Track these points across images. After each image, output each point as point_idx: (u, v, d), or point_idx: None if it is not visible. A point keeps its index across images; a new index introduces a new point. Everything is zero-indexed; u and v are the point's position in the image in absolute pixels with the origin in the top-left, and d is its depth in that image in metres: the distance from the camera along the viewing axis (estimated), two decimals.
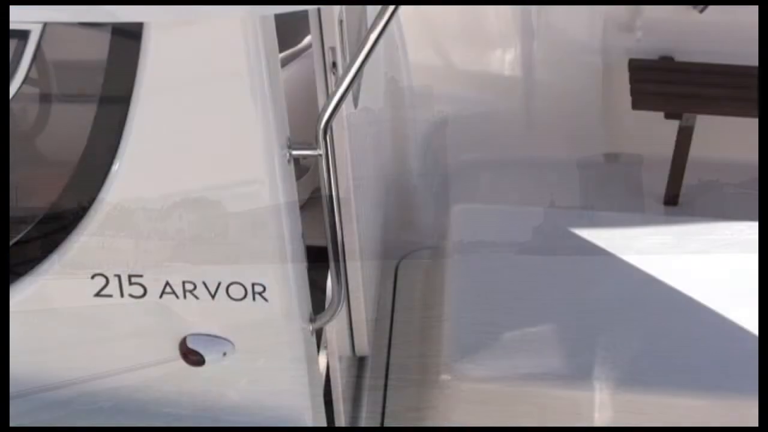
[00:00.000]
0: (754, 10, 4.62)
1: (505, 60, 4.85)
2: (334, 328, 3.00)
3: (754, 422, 3.12)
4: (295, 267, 2.28)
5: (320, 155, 2.25)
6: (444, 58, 4.82)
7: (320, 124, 2.21)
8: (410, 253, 4.27)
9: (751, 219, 3.79)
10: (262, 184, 2.16)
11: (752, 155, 4.87)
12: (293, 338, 2.35)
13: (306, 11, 2.72)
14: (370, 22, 2.18)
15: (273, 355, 2.37)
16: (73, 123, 2.29)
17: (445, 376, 3.26)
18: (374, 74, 3.95)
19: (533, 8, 4.76)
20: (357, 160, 3.23)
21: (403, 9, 4.37)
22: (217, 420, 2.43)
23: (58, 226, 2.27)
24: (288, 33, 3.59)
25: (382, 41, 4.19)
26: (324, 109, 2.21)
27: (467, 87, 4.86)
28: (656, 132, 4.68)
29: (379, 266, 4.05)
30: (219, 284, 2.25)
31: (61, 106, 2.64)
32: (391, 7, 2.08)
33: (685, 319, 3.39)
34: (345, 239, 3.17)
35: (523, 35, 4.79)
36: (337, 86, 2.20)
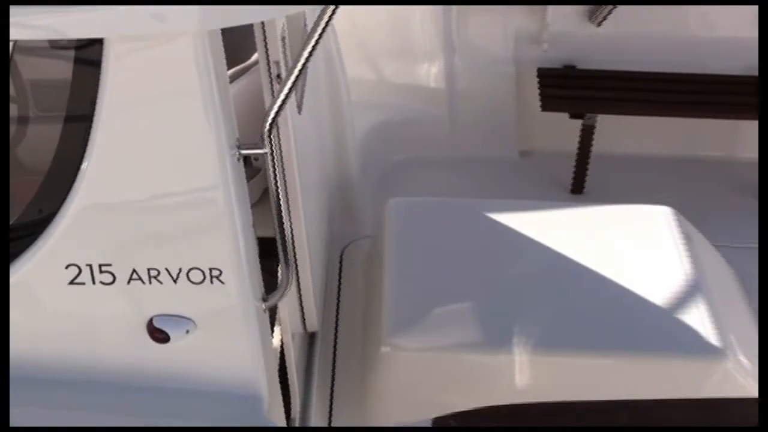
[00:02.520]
0: (644, 23, 4.71)
1: (430, 72, 4.86)
2: (286, 308, 2.99)
3: (655, 375, 3.19)
4: (247, 252, 2.27)
5: (266, 153, 2.24)
6: (377, 72, 4.82)
7: (265, 125, 2.21)
8: (353, 242, 4.27)
9: (644, 202, 3.86)
10: (216, 180, 2.15)
11: (646, 148, 4.98)
12: (248, 316, 2.33)
13: (251, 31, 2.72)
14: None
15: (230, 332, 2.36)
16: (45, 134, 2.26)
17: (384, 348, 3.25)
18: (316, 87, 3.95)
19: (454, 26, 4.77)
20: (302, 161, 3.22)
21: (340, 29, 4.42)
22: (182, 391, 2.40)
23: (35, 223, 2.24)
24: (240, 51, 3.57)
25: (321, 58, 4.21)
26: (268, 112, 2.21)
27: (398, 96, 4.87)
28: (563, 130, 4.73)
29: (326, 253, 4.05)
30: (180, 270, 2.24)
31: (35, 120, 2.61)
32: (322, 25, 2.08)
33: (591, 288, 3.42)
34: (294, 229, 3.17)
35: (445, 50, 4.81)
36: (279, 92, 2.20)
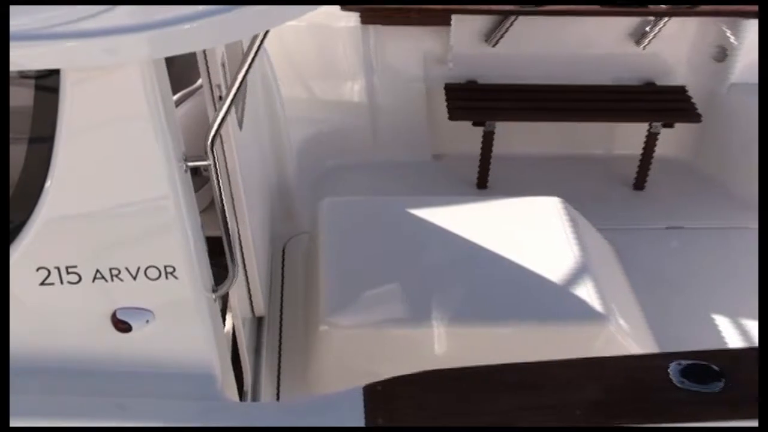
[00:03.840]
0: (533, 43, 4.79)
1: (353, 89, 4.84)
2: (236, 296, 2.96)
3: (550, 340, 3.24)
4: (197, 250, 2.24)
5: (210, 164, 2.22)
6: (308, 91, 4.79)
7: (207, 140, 2.19)
8: (293, 238, 4.25)
9: (537, 194, 3.92)
10: (166, 190, 2.11)
11: (537, 149, 5.06)
12: (200, 305, 2.30)
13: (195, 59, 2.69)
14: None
15: (185, 320, 2.32)
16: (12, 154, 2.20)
17: (323, 327, 3.24)
18: (255, 106, 3.92)
19: (372, 49, 4.76)
20: (245, 170, 3.19)
21: (274, 54, 4.38)
22: (145, 373, 2.36)
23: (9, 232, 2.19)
24: (189, 75, 3.53)
25: (259, 80, 4.17)
26: (209, 129, 2.19)
27: (327, 111, 4.85)
28: (468, 136, 4.76)
29: (270, 248, 4.02)
30: (138, 268, 2.20)
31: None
32: (253, 51, 2.06)
33: (495, 268, 3.46)
34: (240, 229, 3.14)
35: (365, 70, 4.79)
36: (219, 109, 2.18)
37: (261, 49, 4.30)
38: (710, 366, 2.32)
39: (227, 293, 2.86)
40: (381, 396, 2.31)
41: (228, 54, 2.91)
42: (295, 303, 3.80)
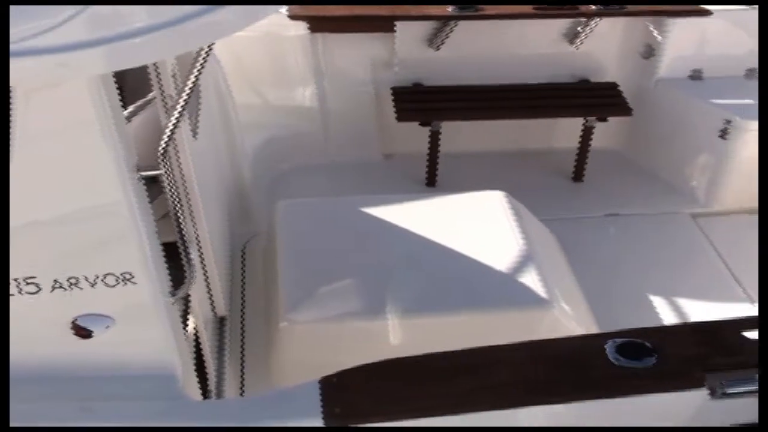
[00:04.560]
0: (474, 46, 4.81)
1: (305, 94, 4.83)
2: (197, 298, 2.93)
3: (499, 326, 3.27)
4: (154, 257, 2.21)
5: (162, 173, 2.20)
6: (261, 97, 4.77)
7: (159, 150, 2.17)
8: (251, 239, 4.22)
9: (482, 189, 3.94)
10: (120, 200, 2.08)
11: (482, 146, 5.09)
12: (158, 309, 2.27)
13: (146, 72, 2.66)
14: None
15: (145, 323, 2.29)
16: None
17: (282, 323, 3.22)
18: (209, 114, 3.88)
19: (321, 56, 4.75)
20: (201, 176, 3.16)
21: (226, 64, 4.34)
22: (109, 377, 2.32)
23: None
24: (146, 86, 3.49)
25: (212, 89, 4.13)
26: (158, 139, 2.16)
27: (280, 116, 4.82)
28: (416, 136, 4.77)
29: (229, 250, 3.99)
30: (96, 276, 2.16)
31: None
32: (200, 63, 2.04)
33: (445, 261, 3.47)
34: (198, 232, 3.11)
35: (315, 76, 4.78)
36: (168, 121, 2.15)
37: (213, 60, 4.28)
38: (643, 343, 2.36)
39: (188, 295, 2.84)
40: (337, 387, 2.31)
41: (179, 64, 2.88)
42: (255, 302, 3.78)
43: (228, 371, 3.34)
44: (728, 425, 2.36)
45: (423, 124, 4.66)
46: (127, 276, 2.17)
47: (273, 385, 3.26)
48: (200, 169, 3.15)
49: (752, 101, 4.59)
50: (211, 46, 2.03)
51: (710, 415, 2.33)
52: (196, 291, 2.93)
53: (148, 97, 3.37)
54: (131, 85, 3.63)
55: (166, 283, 2.33)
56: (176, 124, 2.14)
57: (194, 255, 2.48)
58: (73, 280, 2.15)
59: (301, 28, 4.60)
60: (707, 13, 4.59)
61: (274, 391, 2.56)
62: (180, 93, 2.10)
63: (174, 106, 2.13)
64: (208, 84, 3.95)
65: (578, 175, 4.89)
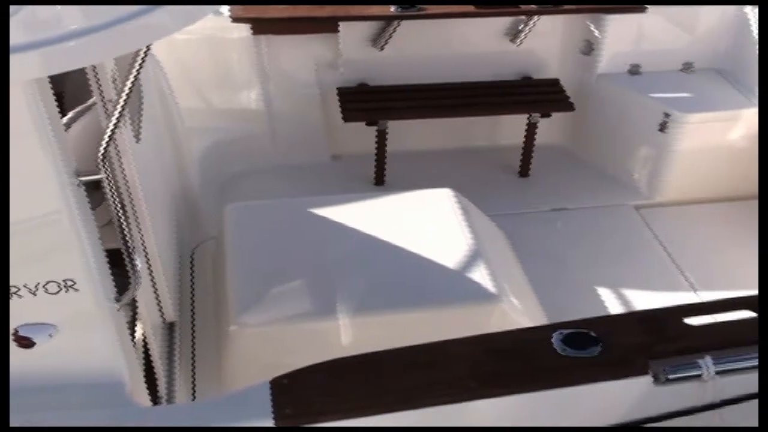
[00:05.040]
0: (418, 45, 4.84)
1: (250, 97, 4.80)
2: (143, 303, 2.89)
3: (450, 321, 3.30)
4: (97, 263, 2.17)
5: (103, 178, 2.16)
6: (206, 101, 4.72)
7: (99, 155, 2.13)
8: (201, 244, 4.18)
9: (430, 186, 3.97)
10: (60, 206, 2.04)
11: (429, 144, 5.12)
12: (103, 316, 2.24)
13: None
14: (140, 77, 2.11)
15: (89, 331, 2.25)
16: None
17: (233, 327, 3.20)
18: (153, 118, 3.84)
19: (265, 58, 4.72)
20: (146, 181, 3.12)
21: (169, 67, 4.29)
22: (54, 386, 2.28)
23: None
24: (85, 91, 3.43)
25: (155, 93, 4.08)
26: (100, 144, 2.13)
27: (226, 119, 4.78)
28: (363, 136, 4.78)
29: (177, 256, 3.94)
30: (37, 284, 2.11)
31: None
32: (137, 65, 2.02)
33: (394, 259, 3.48)
34: (144, 238, 3.07)
35: (260, 78, 4.75)
36: (107, 125, 2.12)
37: (155, 64, 4.22)
38: (589, 333, 2.40)
39: (136, 301, 2.80)
40: (287, 388, 2.30)
41: (119, 68, 2.84)
42: (205, 306, 3.74)
43: (179, 377, 3.30)
44: (673, 410, 2.41)
45: (369, 123, 4.67)
46: (69, 283, 2.13)
47: (225, 389, 3.23)
48: (144, 173, 3.10)
49: (689, 95, 4.71)
50: (148, 48, 2.00)
51: (655, 400, 2.38)
52: (144, 297, 2.89)
53: (88, 102, 3.31)
54: (71, 91, 3.56)
55: (111, 289, 2.30)
56: (115, 127, 2.11)
57: (140, 260, 2.44)
58: (13, 289, 2.10)
59: (243, 30, 4.57)
60: (643, 9, 4.69)
61: (224, 394, 2.54)
62: (119, 95, 2.07)
63: (113, 109, 2.10)
64: (150, 88, 3.90)
65: (524, 171, 4.96)
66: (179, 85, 4.39)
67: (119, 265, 2.42)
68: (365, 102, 4.74)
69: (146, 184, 3.08)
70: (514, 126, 4.94)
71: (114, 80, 2.72)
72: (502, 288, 3.36)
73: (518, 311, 3.38)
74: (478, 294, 3.31)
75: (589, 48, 4.94)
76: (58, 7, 1.75)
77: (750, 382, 2.37)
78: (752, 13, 4.66)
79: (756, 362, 2.36)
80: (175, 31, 1.83)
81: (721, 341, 2.40)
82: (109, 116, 2.62)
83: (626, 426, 2.36)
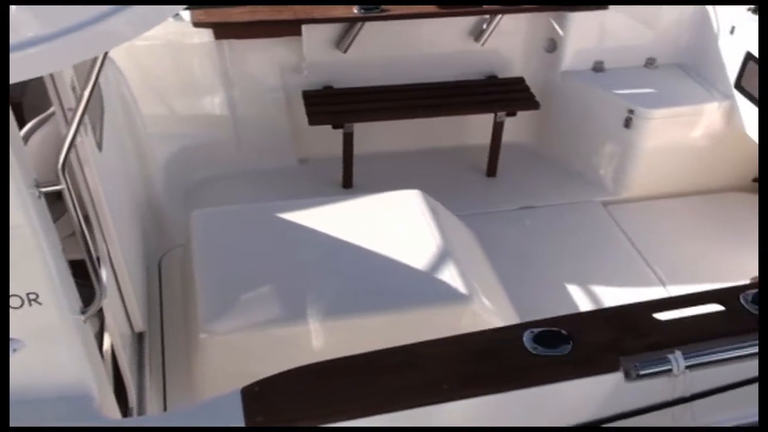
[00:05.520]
0: (383, 47, 4.83)
1: (214, 103, 4.76)
2: (111, 314, 2.85)
3: (421, 323, 3.29)
4: (60, 275, 2.13)
5: (63, 188, 2.12)
6: (170, 108, 4.67)
7: (59, 163, 2.09)
8: (168, 252, 4.13)
9: (398, 188, 3.95)
10: (20, 218, 1.99)
11: (396, 146, 5.12)
12: (68, 328, 2.19)
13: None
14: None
15: (55, 344, 2.21)
16: None
17: (202, 335, 3.17)
18: (115, 126, 3.79)
19: (228, 63, 4.68)
20: (110, 190, 3.07)
21: (131, 74, 4.23)
22: (21, 401, 2.23)
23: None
24: (45, 101, 3.37)
25: (117, 101, 4.02)
26: (59, 153, 2.09)
27: (191, 125, 4.74)
28: (329, 139, 4.76)
29: (144, 265, 3.89)
30: None
31: None
32: (95, 72, 1.98)
33: (364, 262, 3.47)
34: (109, 248, 3.02)
35: (224, 84, 4.71)
36: (66, 134, 2.08)
37: (116, 71, 4.16)
38: (560, 331, 2.41)
39: (103, 312, 2.75)
40: (259, 395, 2.28)
41: (78, 76, 2.79)
42: (174, 315, 3.70)
43: (150, 387, 3.26)
44: (644, 406, 2.43)
45: (335, 126, 4.65)
46: (33, 296, 2.08)
47: (196, 398, 3.20)
48: (108, 182, 3.06)
49: (653, 90, 4.76)
50: (105, 54, 1.97)
51: (627, 396, 2.40)
52: (111, 307, 2.85)
53: (48, 112, 3.26)
54: (31, 100, 3.50)
55: (75, 301, 2.26)
56: (75, 136, 2.07)
57: (105, 271, 2.40)
58: None
59: (205, 35, 4.53)
60: (604, 6, 4.74)
61: (195, 404, 2.51)
62: (77, 103, 2.03)
63: (72, 118, 2.06)
64: (111, 95, 3.84)
65: (491, 170, 4.98)
66: (141, 92, 4.33)
67: (86, 276, 2.38)
68: (331, 105, 4.72)
69: (110, 193, 3.04)
70: (480, 125, 4.96)
71: (74, 88, 2.68)
72: (472, 288, 3.36)
73: (489, 311, 3.39)
74: (448, 295, 3.31)
75: (553, 46, 4.97)
76: (13, 10, 1.71)
77: (719, 376, 2.40)
78: (712, 9, 4.73)
79: (727, 355, 2.39)
80: (132, 38, 1.80)
81: (690, 335, 2.42)
82: (69, 125, 2.58)
83: (599, 425, 2.37)
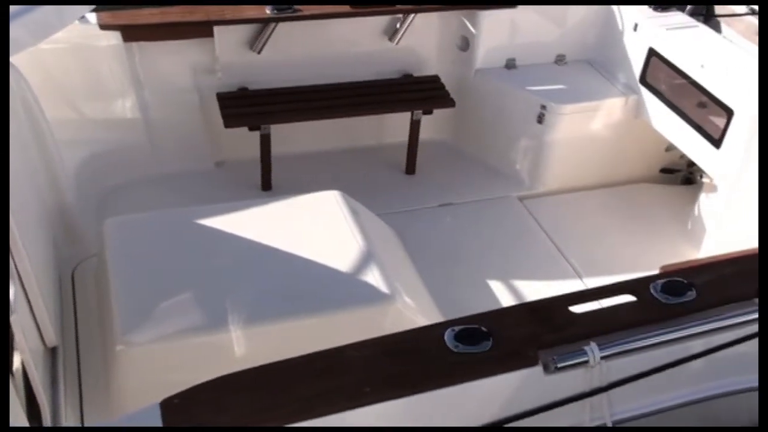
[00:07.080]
0: (298, 46, 4.79)
1: (125, 106, 4.62)
2: (20, 329, 2.73)
3: (345, 326, 3.27)
4: None
5: None
6: (78, 112, 4.51)
7: None
8: (81, 263, 4.00)
9: (318, 189, 3.93)
10: None
11: (315, 146, 5.10)
12: None
13: None
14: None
15: None
16: None
17: (119, 347, 3.09)
18: (20, 133, 3.64)
19: (138, 66, 4.56)
20: (16, 200, 2.95)
21: (35, 79, 4.08)
22: None
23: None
24: None
25: (20, 106, 3.86)
26: None
27: (101, 130, 4.59)
28: (246, 141, 4.70)
29: (56, 276, 3.76)
30: None
31: None
32: None
33: (285, 266, 3.44)
34: (17, 261, 2.90)
35: (134, 86, 4.59)
36: None
37: (18, 76, 3.99)
38: (480, 327, 2.44)
39: (10, 328, 2.64)
40: (179, 408, 2.22)
41: None
42: (90, 328, 3.59)
43: (65, 403, 3.15)
44: (566, 396, 2.48)
45: (252, 128, 4.60)
46: None
47: (115, 413, 3.11)
48: (12, 191, 2.94)
49: (564, 86, 4.88)
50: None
51: (547, 389, 2.45)
52: (20, 322, 2.74)
53: None
54: None
55: None
56: None
57: (13, 285, 2.30)
58: None
59: (113, 38, 4.40)
60: (513, 4, 4.83)
61: (111, 419, 2.44)
62: None
63: None
64: (14, 101, 3.70)
65: (410, 168, 5.01)
66: (47, 97, 4.17)
67: None
68: (246, 107, 4.67)
69: (15, 203, 2.92)
70: (398, 124, 4.98)
71: None
72: (394, 288, 3.37)
73: (413, 310, 3.41)
74: (371, 295, 3.31)
75: (466, 44, 5.04)
76: None
77: (632, 364, 2.47)
78: (616, 8, 4.88)
79: (640, 344, 2.46)
80: (29, 47, 1.73)
81: (605, 327, 2.49)
82: None
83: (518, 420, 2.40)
